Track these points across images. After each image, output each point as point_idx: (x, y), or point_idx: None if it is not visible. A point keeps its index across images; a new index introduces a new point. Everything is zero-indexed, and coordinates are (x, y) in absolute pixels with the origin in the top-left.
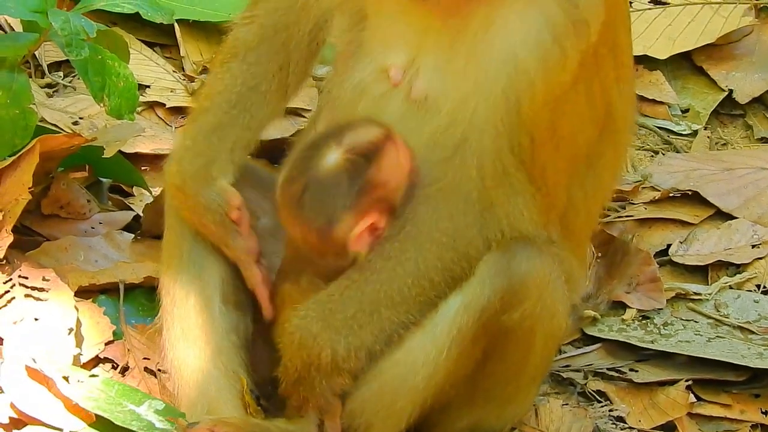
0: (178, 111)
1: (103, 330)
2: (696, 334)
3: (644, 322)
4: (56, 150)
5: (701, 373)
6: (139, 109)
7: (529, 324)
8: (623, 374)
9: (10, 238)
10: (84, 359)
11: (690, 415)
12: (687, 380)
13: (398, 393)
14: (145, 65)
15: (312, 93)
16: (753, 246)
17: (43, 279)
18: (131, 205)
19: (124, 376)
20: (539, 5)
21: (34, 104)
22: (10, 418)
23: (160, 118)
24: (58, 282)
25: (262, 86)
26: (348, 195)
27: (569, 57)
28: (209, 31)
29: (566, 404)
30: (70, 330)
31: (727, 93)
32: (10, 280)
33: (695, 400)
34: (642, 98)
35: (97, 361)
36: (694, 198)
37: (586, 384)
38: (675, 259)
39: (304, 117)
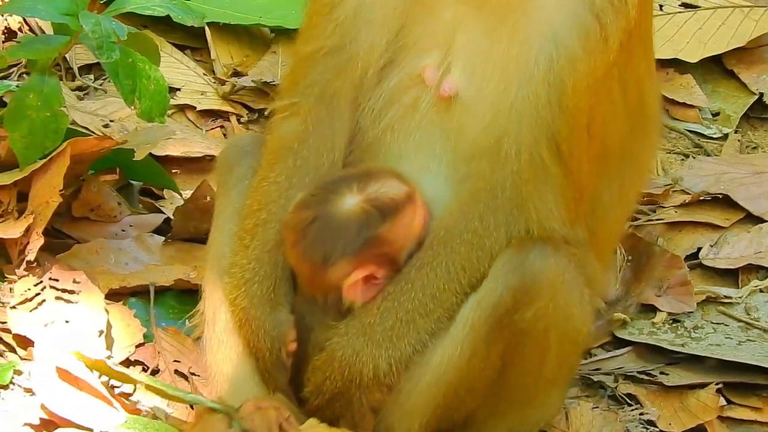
0: (209, 114)
1: (133, 332)
2: (726, 338)
3: (675, 325)
4: (87, 153)
5: (732, 376)
6: (169, 111)
7: (543, 325)
8: (653, 377)
9: (41, 241)
10: (114, 361)
11: (720, 418)
12: (717, 383)
13: (413, 393)
14: (175, 68)
15: None
16: None
17: (74, 281)
18: (162, 208)
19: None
20: None
21: (65, 107)
22: (41, 419)
23: (191, 121)
24: (88, 284)
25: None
26: (352, 243)
27: (610, 35)
28: (240, 33)
29: (596, 407)
30: (101, 332)
31: (757, 96)
32: (41, 282)
33: (725, 404)
34: (673, 102)
35: (127, 363)
36: (724, 201)
37: (616, 387)
38: (705, 262)
39: None
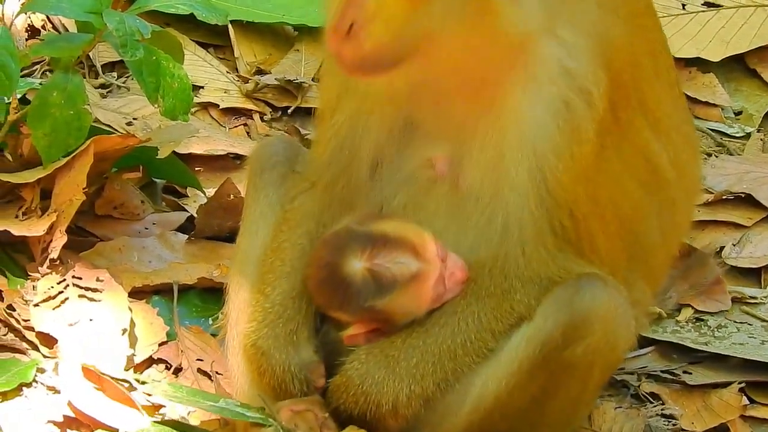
0: (232, 112)
1: (156, 331)
2: (750, 337)
3: (698, 324)
4: (110, 151)
5: (755, 375)
6: (193, 109)
7: (591, 359)
8: (677, 376)
9: (64, 239)
10: (137, 360)
11: (743, 417)
12: (740, 383)
13: (448, 417)
14: (199, 66)
15: None
16: None
17: (97, 279)
18: (185, 206)
19: (177, 377)
20: (539, 86)
21: (88, 105)
22: (65, 416)
23: (214, 119)
24: (111, 282)
25: None
26: (351, 303)
27: (582, 128)
28: (263, 32)
29: (620, 407)
30: (124, 330)
31: None
32: (64, 280)
33: (748, 403)
34: (695, 101)
35: (150, 361)
36: (747, 200)
37: (639, 386)
38: (728, 261)
39: None
